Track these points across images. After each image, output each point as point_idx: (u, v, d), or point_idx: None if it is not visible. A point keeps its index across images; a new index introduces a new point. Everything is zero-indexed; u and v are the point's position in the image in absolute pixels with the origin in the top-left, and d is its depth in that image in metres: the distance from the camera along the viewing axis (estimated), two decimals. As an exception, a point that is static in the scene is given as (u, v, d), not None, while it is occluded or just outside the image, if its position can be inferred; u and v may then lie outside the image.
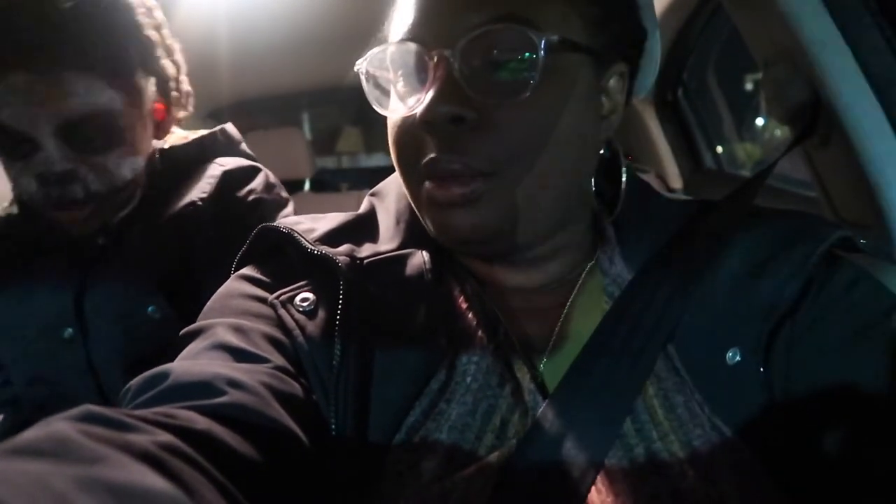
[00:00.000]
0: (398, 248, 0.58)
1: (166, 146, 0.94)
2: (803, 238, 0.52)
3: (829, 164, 0.92)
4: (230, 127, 1.02)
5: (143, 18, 0.84)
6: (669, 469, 0.45)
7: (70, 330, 0.82)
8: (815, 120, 0.86)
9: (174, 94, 0.92)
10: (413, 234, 0.60)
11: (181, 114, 0.96)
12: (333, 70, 2.02)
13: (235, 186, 0.90)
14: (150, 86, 0.86)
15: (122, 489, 0.27)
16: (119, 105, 0.80)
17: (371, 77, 0.55)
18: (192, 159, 0.94)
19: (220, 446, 0.37)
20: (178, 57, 0.93)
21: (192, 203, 0.87)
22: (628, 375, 0.50)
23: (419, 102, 0.50)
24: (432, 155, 0.50)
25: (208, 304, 0.56)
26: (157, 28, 0.88)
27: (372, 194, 0.67)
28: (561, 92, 0.51)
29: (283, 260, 0.58)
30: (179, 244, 0.85)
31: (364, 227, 0.61)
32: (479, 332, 0.53)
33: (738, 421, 0.47)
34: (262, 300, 0.54)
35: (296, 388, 0.47)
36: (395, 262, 0.56)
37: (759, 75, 0.97)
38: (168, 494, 0.29)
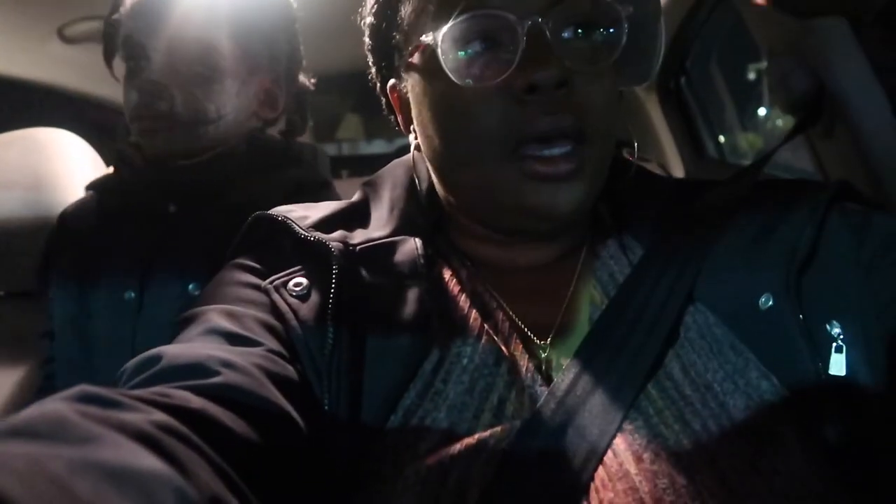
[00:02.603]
0: (390, 235, 0.58)
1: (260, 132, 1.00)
2: (808, 191, 0.55)
3: (832, 153, 0.92)
4: (324, 151, 1.08)
5: (281, 10, 0.96)
6: (674, 454, 0.45)
7: (132, 294, 0.88)
8: (819, 109, 0.85)
9: (283, 82, 0.99)
10: (405, 222, 0.60)
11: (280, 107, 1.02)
12: (334, 57, 2.01)
13: (304, 193, 0.93)
14: (263, 52, 0.95)
15: (117, 470, 0.27)
16: (225, 46, 0.89)
17: (444, 49, 0.53)
18: (276, 155, 0.99)
19: (214, 426, 0.37)
20: (299, 53, 1.01)
21: (263, 197, 0.89)
22: (631, 362, 0.50)
23: (516, 70, 0.50)
24: (536, 119, 0.51)
25: (203, 291, 0.56)
26: (291, 11, 0.99)
27: (365, 184, 0.67)
28: (614, 72, 0.55)
29: (277, 248, 0.58)
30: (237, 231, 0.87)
31: (357, 215, 0.62)
32: (473, 315, 0.54)
33: (785, 371, 0.48)
34: (256, 287, 0.54)
35: (289, 370, 0.47)
36: (387, 249, 0.57)
37: (763, 64, 0.97)
38: (162, 475, 0.29)
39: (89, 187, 1.04)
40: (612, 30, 0.53)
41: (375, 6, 0.62)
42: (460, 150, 0.56)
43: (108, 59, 0.96)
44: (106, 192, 1.01)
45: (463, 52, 0.53)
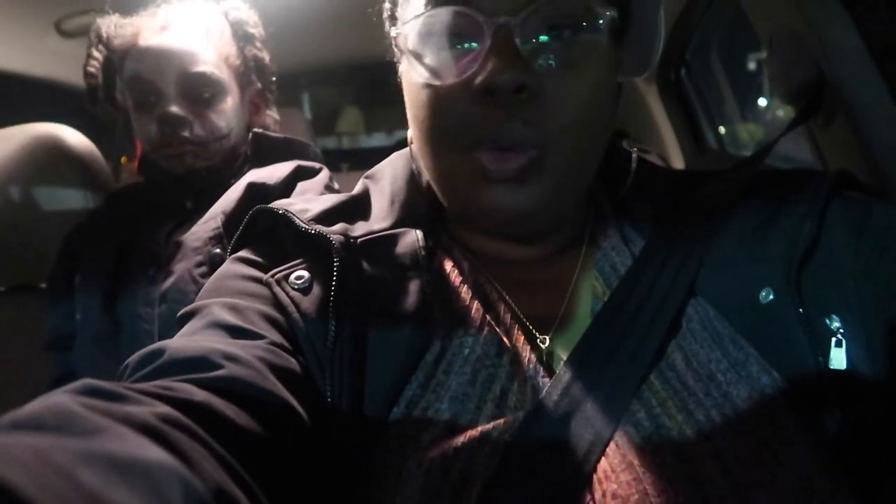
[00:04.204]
0: (391, 227, 0.58)
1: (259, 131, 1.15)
2: (808, 182, 0.54)
3: (832, 144, 0.91)
4: (318, 149, 1.21)
5: (248, 28, 1.12)
6: (677, 445, 0.45)
7: (153, 270, 1.00)
8: (820, 99, 0.85)
9: (268, 89, 1.17)
10: (406, 214, 0.60)
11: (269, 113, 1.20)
12: (334, 50, 2.00)
13: (301, 178, 1.06)
14: (251, 67, 1.12)
15: (123, 462, 0.27)
16: (224, 72, 1.04)
17: (410, 44, 0.53)
18: (277, 151, 1.12)
19: (218, 418, 0.38)
20: (272, 65, 1.17)
21: (264, 184, 1.02)
22: (634, 353, 0.50)
23: (477, 70, 0.49)
24: (491, 124, 0.50)
25: (205, 285, 0.56)
26: (259, 27, 1.15)
27: (366, 177, 0.67)
28: (603, 73, 0.53)
29: (278, 241, 0.58)
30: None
31: (358, 208, 0.62)
32: (475, 307, 0.54)
33: (786, 365, 0.48)
34: (258, 280, 0.54)
35: (292, 363, 0.47)
36: (388, 241, 0.57)
37: (763, 55, 0.97)
38: (168, 466, 0.29)
39: (117, 193, 1.20)
40: (590, 33, 0.51)
41: None
42: (427, 145, 0.55)
43: (112, 96, 1.09)
44: (133, 195, 1.15)
45: (428, 48, 0.52)
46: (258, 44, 1.13)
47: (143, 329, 0.96)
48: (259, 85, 1.14)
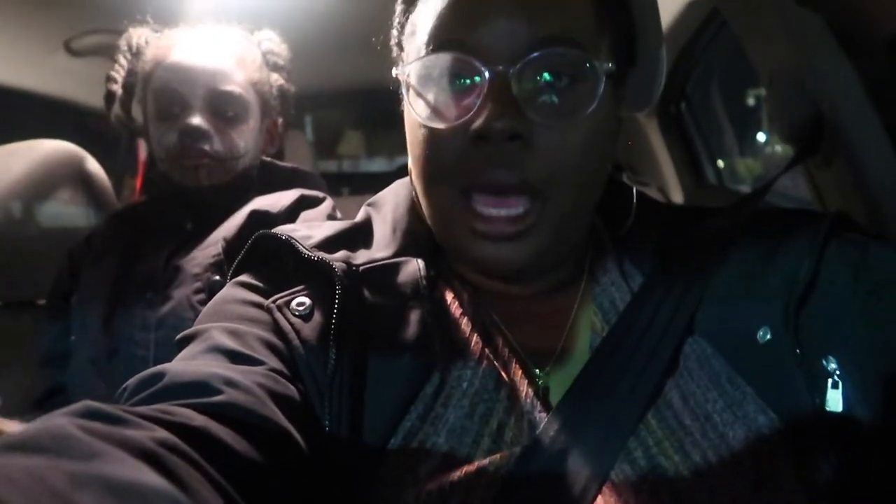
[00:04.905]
0: (393, 256, 0.58)
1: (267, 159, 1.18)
2: (806, 222, 0.55)
3: (830, 183, 0.92)
4: (323, 180, 1.24)
5: (278, 59, 1.17)
6: (673, 485, 0.45)
7: (151, 293, 1.00)
8: (819, 139, 0.86)
9: (286, 121, 1.21)
10: (408, 243, 0.60)
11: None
12: (336, 73, 2.02)
13: (304, 207, 1.08)
14: (273, 99, 1.15)
15: (119, 486, 0.27)
16: (250, 95, 1.07)
17: (412, 85, 0.54)
18: (283, 180, 1.15)
19: (216, 444, 0.37)
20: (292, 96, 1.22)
21: (267, 213, 1.04)
22: (631, 391, 0.50)
23: (473, 115, 0.50)
24: (485, 168, 0.51)
25: (205, 309, 0.56)
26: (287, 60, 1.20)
27: (369, 204, 0.67)
28: (602, 117, 0.53)
29: (280, 267, 0.58)
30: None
31: (360, 236, 0.62)
32: (474, 339, 0.54)
33: (782, 405, 0.48)
34: (259, 305, 0.54)
35: (291, 390, 0.47)
36: (389, 270, 0.57)
37: (762, 90, 0.98)
38: (164, 491, 0.29)
39: (117, 213, 1.21)
40: (587, 85, 0.51)
41: (396, 18, 0.62)
42: (423, 183, 0.56)
43: (128, 105, 1.12)
44: (134, 216, 1.16)
45: (428, 90, 0.54)
46: (285, 75, 1.17)
47: (138, 355, 0.95)
48: (279, 116, 1.17)
